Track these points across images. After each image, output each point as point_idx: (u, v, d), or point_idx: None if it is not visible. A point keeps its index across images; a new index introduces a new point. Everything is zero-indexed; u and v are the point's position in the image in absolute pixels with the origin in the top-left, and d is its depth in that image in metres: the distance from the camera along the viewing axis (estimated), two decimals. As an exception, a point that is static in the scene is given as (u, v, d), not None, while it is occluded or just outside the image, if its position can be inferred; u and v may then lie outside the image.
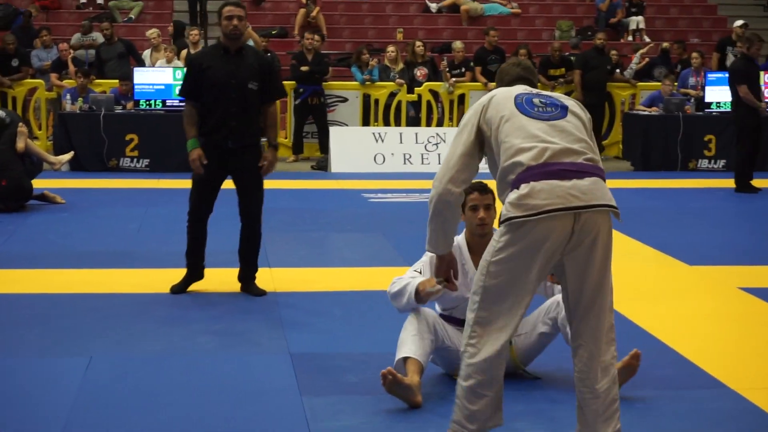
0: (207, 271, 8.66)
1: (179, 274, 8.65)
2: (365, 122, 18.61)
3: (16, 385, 6.27)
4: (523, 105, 4.96)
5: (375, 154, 17.32)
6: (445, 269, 5.30)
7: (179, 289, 8.58)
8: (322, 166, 17.39)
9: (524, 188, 4.76)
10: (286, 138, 18.28)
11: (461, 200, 5.06)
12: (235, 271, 8.67)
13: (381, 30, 23.55)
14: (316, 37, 18.41)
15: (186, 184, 8.81)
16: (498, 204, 5.34)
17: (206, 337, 7.32)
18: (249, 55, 8.47)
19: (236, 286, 8.62)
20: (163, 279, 8.96)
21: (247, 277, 8.61)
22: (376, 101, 18.62)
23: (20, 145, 12.33)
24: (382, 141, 17.47)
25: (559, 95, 5.17)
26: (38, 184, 12.88)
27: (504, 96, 5.03)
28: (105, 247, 10.48)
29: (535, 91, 5.09)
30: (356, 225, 12.05)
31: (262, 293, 8.49)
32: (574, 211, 4.72)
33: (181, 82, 8.51)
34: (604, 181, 4.85)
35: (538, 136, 4.84)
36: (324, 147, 17.82)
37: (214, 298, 8.34)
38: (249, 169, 8.40)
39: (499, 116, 4.94)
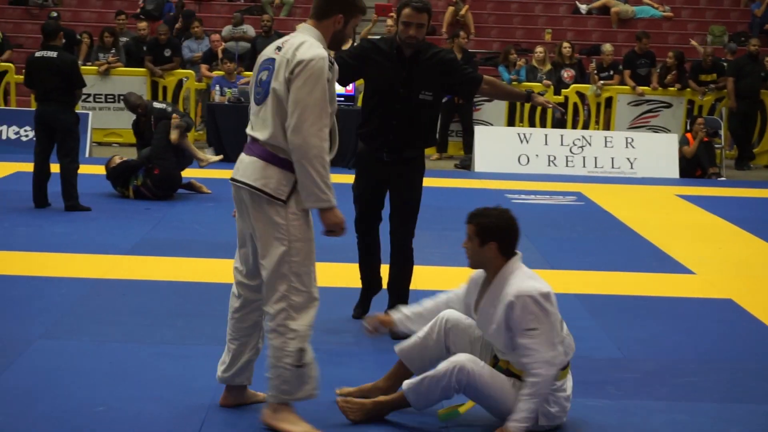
0: (333, 266, 8.64)
1: (319, 268, 8.62)
2: (510, 122, 18.52)
3: (159, 372, 6.39)
4: (254, 80, 5.56)
5: (519, 155, 17.21)
6: None
7: (360, 312, 7.67)
8: (465, 165, 17.34)
9: None
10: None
11: None
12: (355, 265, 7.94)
13: (529, 30, 23.41)
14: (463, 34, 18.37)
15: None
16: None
17: (332, 335, 7.26)
18: (425, 59, 7.14)
19: (354, 280, 8.05)
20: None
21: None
22: (522, 102, 18.49)
23: (173, 136, 12.55)
24: (527, 142, 17.35)
25: (281, 61, 5.34)
26: (186, 173, 13.09)
27: (259, 61, 5.55)
28: (249, 238, 10.56)
29: (272, 54, 5.42)
30: (499, 226, 11.89)
31: None
32: (233, 182, 5.50)
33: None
34: (277, 165, 5.37)
35: (249, 119, 5.63)
36: (468, 146, 17.77)
37: (345, 292, 8.13)
38: (405, 183, 7.29)
39: (254, 78, 5.59)
